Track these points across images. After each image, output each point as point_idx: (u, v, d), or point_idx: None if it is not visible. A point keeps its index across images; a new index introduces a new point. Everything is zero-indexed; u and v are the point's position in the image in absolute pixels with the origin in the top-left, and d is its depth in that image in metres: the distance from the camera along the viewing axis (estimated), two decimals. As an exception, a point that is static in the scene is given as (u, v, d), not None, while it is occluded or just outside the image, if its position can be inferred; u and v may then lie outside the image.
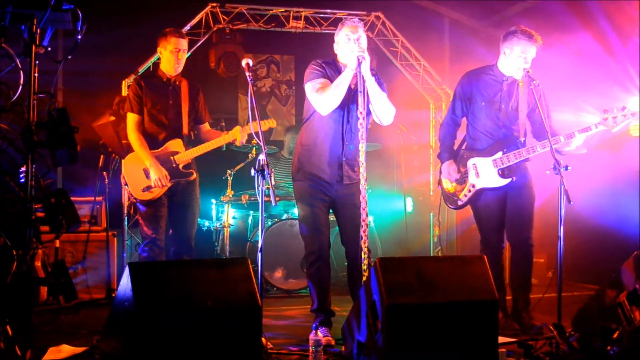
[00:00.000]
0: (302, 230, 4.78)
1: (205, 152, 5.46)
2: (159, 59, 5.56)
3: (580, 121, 5.12)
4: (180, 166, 5.35)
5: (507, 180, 4.97)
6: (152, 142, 5.35)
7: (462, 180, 5.15)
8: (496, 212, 5.06)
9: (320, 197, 4.74)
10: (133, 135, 5.33)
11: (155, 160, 5.25)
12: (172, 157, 5.33)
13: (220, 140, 5.48)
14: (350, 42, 4.61)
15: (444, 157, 5.26)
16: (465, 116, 5.23)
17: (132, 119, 5.35)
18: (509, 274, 5.23)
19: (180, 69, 5.42)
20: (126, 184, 5.39)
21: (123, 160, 5.47)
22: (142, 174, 5.29)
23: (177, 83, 5.43)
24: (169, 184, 5.28)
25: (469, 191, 5.08)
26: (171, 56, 5.33)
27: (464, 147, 5.25)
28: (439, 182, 5.36)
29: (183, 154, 5.36)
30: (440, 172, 5.31)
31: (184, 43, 5.39)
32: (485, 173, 5.03)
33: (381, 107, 4.64)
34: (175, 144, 5.38)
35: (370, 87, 4.50)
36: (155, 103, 5.36)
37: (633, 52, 6.37)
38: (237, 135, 5.42)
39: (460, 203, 5.18)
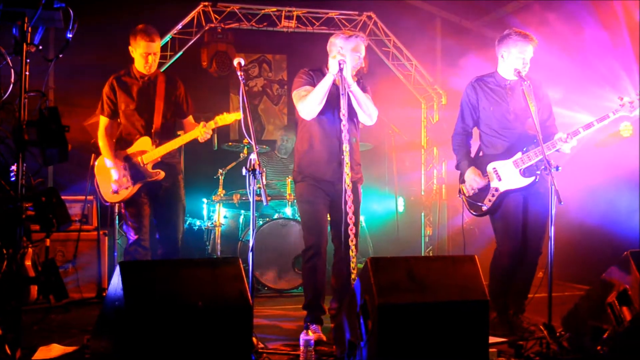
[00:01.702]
0: (304, 226, 4.91)
1: (171, 150, 5.24)
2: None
3: (572, 122, 5.12)
4: (149, 166, 5.20)
5: (530, 179, 4.87)
6: (129, 143, 5.27)
7: (483, 186, 5.03)
8: (514, 220, 4.95)
9: (322, 196, 4.85)
10: (101, 140, 5.27)
11: (116, 161, 5.19)
12: (139, 157, 5.21)
13: (181, 139, 5.27)
14: (335, 49, 4.76)
15: (464, 165, 5.11)
16: (475, 125, 5.17)
17: (102, 121, 5.29)
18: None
19: (152, 70, 5.25)
20: (98, 188, 5.31)
21: (95, 165, 5.37)
22: (110, 175, 5.21)
23: (153, 79, 5.28)
24: (131, 184, 5.18)
25: (493, 195, 4.97)
26: (140, 59, 5.18)
27: (481, 154, 5.17)
28: (460, 191, 5.21)
29: (150, 152, 5.20)
30: (463, 181, 5.15)
31: (153, 47, 5.16)
32: (507, 175, 4.93)
33: (363, 109, 4.78)
34: (143, 143, 5.23)
35: (353, 90, 4.65)
36: (129, 103, 5.23)
37: (624, 53, 6.39)
38: (198, 132, 5.16)
39: (485, 208, 5.02)
